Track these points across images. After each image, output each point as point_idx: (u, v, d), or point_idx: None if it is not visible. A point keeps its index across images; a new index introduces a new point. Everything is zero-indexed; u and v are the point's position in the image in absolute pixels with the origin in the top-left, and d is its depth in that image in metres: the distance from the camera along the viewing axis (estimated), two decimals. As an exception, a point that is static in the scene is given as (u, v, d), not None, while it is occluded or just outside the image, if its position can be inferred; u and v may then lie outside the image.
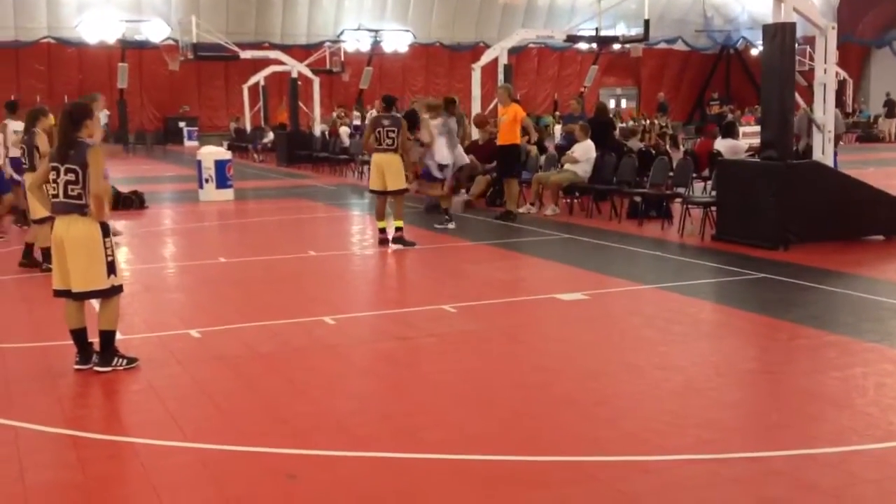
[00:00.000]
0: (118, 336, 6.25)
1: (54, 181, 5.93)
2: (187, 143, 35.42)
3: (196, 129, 36.59)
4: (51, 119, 9.70)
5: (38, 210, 8.74)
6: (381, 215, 11.43)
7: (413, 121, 13.53)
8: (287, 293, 8.73)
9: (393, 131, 11.10)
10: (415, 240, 11.30)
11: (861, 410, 5.09)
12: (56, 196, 5.95)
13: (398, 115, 11.41)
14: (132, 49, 34.89)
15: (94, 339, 6.15)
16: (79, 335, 6.11)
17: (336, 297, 8.69)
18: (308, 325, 7.28)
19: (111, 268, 5.98)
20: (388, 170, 11.16)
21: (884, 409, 5.08)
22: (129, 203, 15.47)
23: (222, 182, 17.06)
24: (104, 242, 5.95)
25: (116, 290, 6.07)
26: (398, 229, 11.27)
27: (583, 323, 7.56)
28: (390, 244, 11.16)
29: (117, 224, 11.52)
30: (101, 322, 6.10)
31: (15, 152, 11.50)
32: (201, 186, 17.13)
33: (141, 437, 4.92)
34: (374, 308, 8.33)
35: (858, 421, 4.92)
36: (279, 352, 6.55)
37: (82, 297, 6.02)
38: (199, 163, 17.27)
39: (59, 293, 6.06)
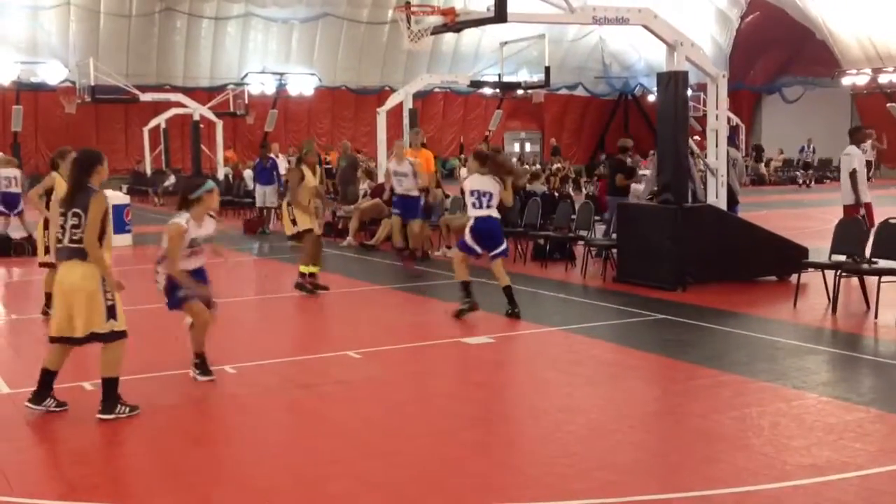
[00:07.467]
0: (9, 391, 5.95)
1: (61, 226, 5.87)
2: (85, 186, 34.35)
3: (94, 172, 35.61)
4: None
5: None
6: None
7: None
8: (186, 343, 8.45)
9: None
10: (326, 284, 11.18)
11: (757, 450, 5.20)
12: (61, 242, 5.88)
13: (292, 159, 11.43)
14: (27, 91, 33.86)
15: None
16: (47, 375, 5.99)
17: (237, 345, 8.48)
18: (208, 375, 7.07)
19: (111, 312, 5.86)
20: (284, 216, 11.25)
21: (779, 449, 5.21)
22: (21, 250, 14.90)
23: (120, 227, 16.56)
24: (103, 286, 5.82)
25: (117, 335, 5.93)
26: (300, 274, 11.13)
27: (489, 367, 7.57)
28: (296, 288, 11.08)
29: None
30: (102, 369, 5.96)
31: None
32: (98, 231, 16.62)
33: (21, 497, 4.65)
34: (277, 355, 8.15)
35: (754, 461, 5.03)
36: (177, 404, 6.34)
37: (82, 341, 5.88)
38: (95, 207, 16.77)
39: (54, 339, 5.94)
